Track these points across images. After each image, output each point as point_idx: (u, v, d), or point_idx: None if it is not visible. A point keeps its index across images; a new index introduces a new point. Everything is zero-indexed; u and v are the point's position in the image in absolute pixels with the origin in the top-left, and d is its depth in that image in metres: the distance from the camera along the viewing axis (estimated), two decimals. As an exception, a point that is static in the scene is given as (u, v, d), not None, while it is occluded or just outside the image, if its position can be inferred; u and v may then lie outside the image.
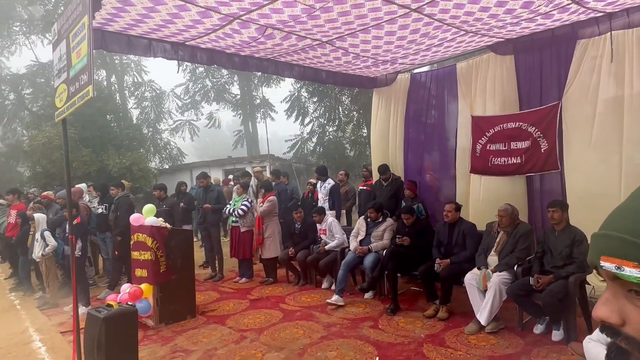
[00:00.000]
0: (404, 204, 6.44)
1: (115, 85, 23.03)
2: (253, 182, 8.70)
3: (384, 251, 5.67)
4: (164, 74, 25.01)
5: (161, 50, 5.22)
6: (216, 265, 7.68)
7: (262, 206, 6.93)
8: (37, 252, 6.53)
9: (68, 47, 3.65)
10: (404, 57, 6.20)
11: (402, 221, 5.71)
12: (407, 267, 5.39)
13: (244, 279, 7.21)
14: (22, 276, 7.45)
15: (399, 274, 5.50)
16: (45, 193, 8.12)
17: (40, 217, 6.56)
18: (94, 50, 3.31)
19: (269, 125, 23.44)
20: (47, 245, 6.45)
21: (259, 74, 20.51)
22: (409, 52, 5.96)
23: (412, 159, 7.30)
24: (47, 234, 6.46)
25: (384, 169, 6.96)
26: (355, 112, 20.03)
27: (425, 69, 7.61)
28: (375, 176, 7.45)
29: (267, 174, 12.23)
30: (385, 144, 7.64)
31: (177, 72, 22.99)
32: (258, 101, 26.20)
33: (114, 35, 4.76)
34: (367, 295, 5.80)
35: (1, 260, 10.77)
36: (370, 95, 8.55)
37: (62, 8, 18.61)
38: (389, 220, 5.99)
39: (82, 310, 5.25)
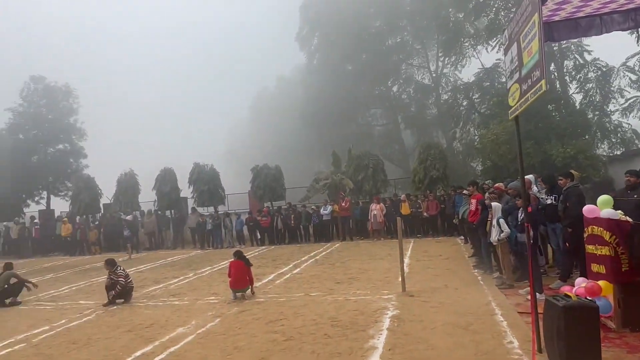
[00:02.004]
0: None
1: (555, 73, 22.36)
2: None
3: None
4: (611, 48, 21.89)
5: (614, 23, 4.68)
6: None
7: None
8: (493, 236, 7.41)
9: (519, 48, 3.95)
10: None
11: None
12: None
13: None
14: (484, 256, 8.64)
15: None
16: (497, 184, 9.04)
17: (496, 205, 7.41)
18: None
19: None
20: (502, 231, 7.18)
21: None
22: None
23: None
24: (502, 221, 7.20)
25: None
26: None
27: None
28: None
29: None
30: None
31: (637, 42, 19.41)
32: None
33: (559, 24, 4.71)
34: None
35: (465, 241, 12.85)
36: None
37: (502, 14, 20.09)
38: None
39: (537, 296, 5.50)
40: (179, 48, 76.02)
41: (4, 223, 21.07)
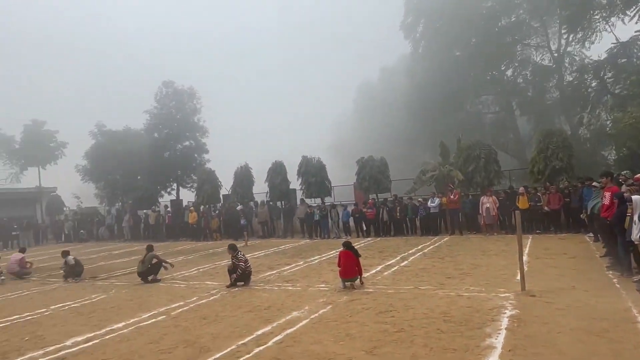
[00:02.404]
0: None
1: None
2: None
3: None
4: None
5: None
6: None
7: None
8: (634, 234, 6.53)
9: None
10: None
11: None
12: None
13: None
14: (621, 256, 7.63)
15: None
16: (638, 175, 7.90)
17: (637, 199, 6.50)
18: None
19: None
20: (645, 228, 6.28)
21: None
22: None
23: None
24: (645, 217, 6.29)
25: None
26: None
27: None
28: None
29: None
30: None
31: None
32: None
33: None
34: None
35: (595, 239, 11.49)
36: None
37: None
38: None
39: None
40: (283, 44, 79.73)
41: (144, 211, 24.29)
